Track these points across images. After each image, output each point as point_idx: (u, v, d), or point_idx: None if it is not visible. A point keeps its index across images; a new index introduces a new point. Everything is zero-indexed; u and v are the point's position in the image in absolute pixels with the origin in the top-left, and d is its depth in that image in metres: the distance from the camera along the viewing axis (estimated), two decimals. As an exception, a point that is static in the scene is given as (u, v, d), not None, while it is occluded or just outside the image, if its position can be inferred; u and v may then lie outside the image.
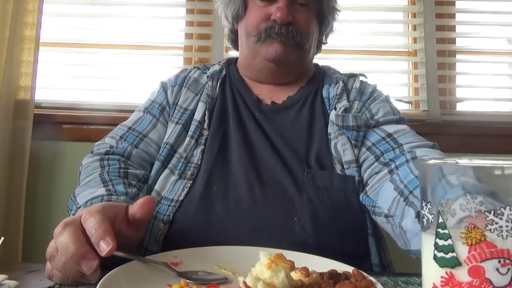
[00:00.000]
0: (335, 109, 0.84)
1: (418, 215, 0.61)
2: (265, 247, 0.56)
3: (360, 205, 0.77)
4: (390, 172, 0.75)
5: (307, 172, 0.77)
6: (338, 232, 0.73)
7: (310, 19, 0.90)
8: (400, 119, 0.85)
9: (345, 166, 0.79)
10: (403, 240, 0.68)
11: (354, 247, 0.74)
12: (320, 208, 0.74)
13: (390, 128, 0.82)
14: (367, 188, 0.78)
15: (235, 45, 1.01)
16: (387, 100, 0.90)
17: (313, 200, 0.74)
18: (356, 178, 0.78)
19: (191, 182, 0.79)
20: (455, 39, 1.60)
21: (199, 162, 0.82)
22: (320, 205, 0.74)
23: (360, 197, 0.78)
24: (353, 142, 0.81)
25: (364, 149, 0.81)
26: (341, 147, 0.80)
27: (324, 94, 0.89)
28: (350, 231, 0.76)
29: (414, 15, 1.62)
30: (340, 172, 0.79)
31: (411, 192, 0.66)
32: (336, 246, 0.70)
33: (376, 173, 0.78)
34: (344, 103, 0.85)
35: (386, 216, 0.71)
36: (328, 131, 0.83)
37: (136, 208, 0.56)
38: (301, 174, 0.78)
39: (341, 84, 0.89)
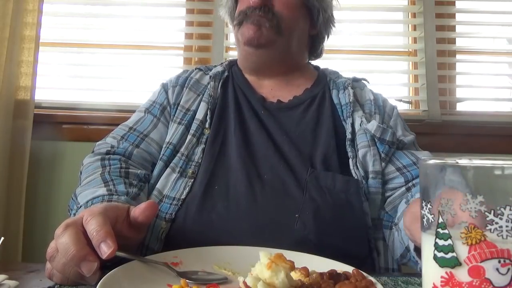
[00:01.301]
0: (351, 117, 0.86)
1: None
2: (266, 244, 0.57)
3: (362, 208, 0.78)
4: (408, 189, 0.80)
5: (310, 172, 0.77)
6: (339, 231, 0.73)
7: (291, 3, 0.91)
8: (414, 139, 0.90)
9: (371, 175, 0.81)
10: (399, 241, 0.70)
11: (354, 248, 0.74)
12: (322, 207, 0.74)
13: (418, 154, 0.85)
14: (385, 205, 0.81)
15: None
16: (399, 115, 0.93)
17: (315, 199, 0.75)
18: (380, 190, 0.80)
19: (192, 180, 0.79)
20: (455, 39, 1.60)
21: (200, 161, 0.82)
22: (322, 203, 0.74)
23: (380, 214, 0.81)
24: (382, 155, 0.82)
25: (393, 168, 0.83)
26: (371, 158, 0.82)
27: (335, 100, 0.90)
28: (351, 232, 0.76)
29: (414, 15, 1.62)
30: (363, 179, 0.80)
31: None
32: (336, 245, 0.70)
33: (397, 190, 0.81)
34: (360, 113, 0.87)
35: (396, 224, 0.74)
36: (358, 141, 0.84)
37: (138, 212, 0.57)
38: (304, 173, 0.78)
39: (351, 91, 0.90)
